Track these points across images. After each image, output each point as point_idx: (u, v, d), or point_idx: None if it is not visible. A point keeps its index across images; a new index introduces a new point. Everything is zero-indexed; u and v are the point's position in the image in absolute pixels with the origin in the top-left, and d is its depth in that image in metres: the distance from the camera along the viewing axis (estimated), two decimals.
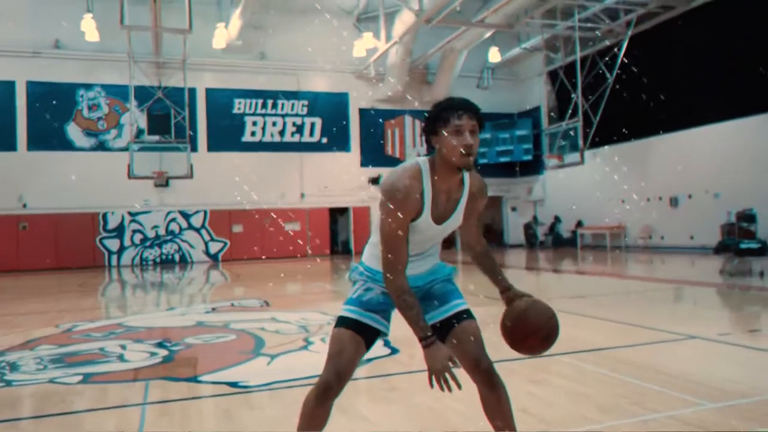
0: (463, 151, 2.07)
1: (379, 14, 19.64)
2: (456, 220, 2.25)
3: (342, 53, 21.43)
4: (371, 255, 2.35)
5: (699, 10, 16.32)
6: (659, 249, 18.09)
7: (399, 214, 2.08)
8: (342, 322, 2.29)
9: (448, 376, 2.03)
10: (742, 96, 15.29)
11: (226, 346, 5.48)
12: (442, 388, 2.03)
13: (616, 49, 18.45)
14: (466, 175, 2.24)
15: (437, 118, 2.12)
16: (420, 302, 2.30)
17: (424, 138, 2.20)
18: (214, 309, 8.46)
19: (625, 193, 19.45)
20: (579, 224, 21.36)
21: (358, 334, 2.26)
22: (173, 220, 20.56)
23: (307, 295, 10.82)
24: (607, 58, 18.62)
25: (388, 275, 2.12)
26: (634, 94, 18.08)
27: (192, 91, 20.19)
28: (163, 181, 19.50)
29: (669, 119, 17.44)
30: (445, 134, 2.08)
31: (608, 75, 18.30)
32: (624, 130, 18.52)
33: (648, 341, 5.11)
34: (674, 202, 17.84)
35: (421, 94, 23.39)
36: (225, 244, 21.01)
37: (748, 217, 9.40)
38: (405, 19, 18.07)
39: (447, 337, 2.26)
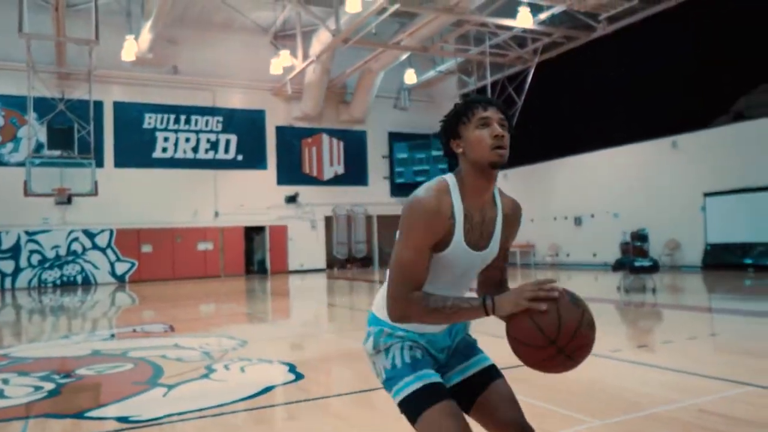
0: (494, 143, 1.69)
1: (296, 32, 19.63)
2: (494, 248, 1.82)
3: (259, 70, 21.20)
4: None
5: (599, 41, 17.41)
6: (565, 266, 18.94)
7: (425, 233, 1.67)
8: (423, 398, 1.71)
9: (539, 289, 1.56)
10: (640, 122, 16.40)
11: (121, 377, 5.18)
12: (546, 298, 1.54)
13: (524, 75, 19.33)
14: (497, 194, 1.86)
15: (458, 117, 1.76)
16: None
17: (443, 151, 1.82)
18: (113, 335, 8.03)
19: (534, 212, 20.30)
20: None
21: (451, 399, 1.73)
22: (75, 239, 19.43)
23: (215, 318, 10.49)
24: (516, 83, 19.47)
25: (399, 304, 1.66)
26: (540, 118, 19.01)
27: (98, 105, 19.28)
28: (64, 199, 18.42)
29: (573, 142, 18.43)
30: (470, 131, 1.73)
31: (517, 99, 19.12)
32: (531, 153, 19.38)
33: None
34: (578, 221, 18.80)
35: (339, 113, 23.52)
36: (133, 264, 20.06)
37: (641, 236, 10.06)
38: (322, 39, 18.15)
39: (475, 399, 1.83)
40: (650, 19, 15.91)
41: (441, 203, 1.69)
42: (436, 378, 1.76)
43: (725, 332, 6.85)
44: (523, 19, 16.05)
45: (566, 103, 18.69)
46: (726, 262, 14.27)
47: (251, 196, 21.82)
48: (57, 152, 18.08)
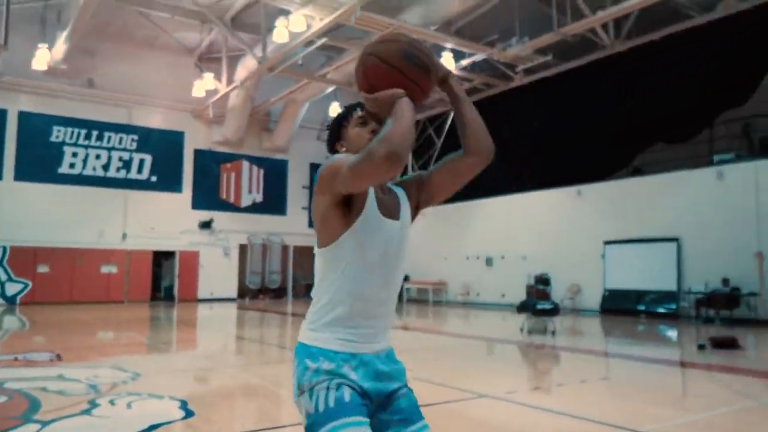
0: (371, 136, 1.79)
1: (222, 56, 19.40)
2: (406, 218, 1.86)
3: (180, 91, 20.69)
4: (324, 324, 1.75)
5: (517, 90, 18.32)
6: (475, 305, 19.39)
7: None
8: None
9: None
10: (549, 170, 17.25)
11: None
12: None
13: (444, 117, 19.97)
14: (390, 185, 1.94)
15: (339, 122, 1.91)
16: (378, 414, 1.75)
17: (330, 153, 1.91)
18: None
19: (448, 251, 20.77)
20: (405, 278, 22.27)
21: None
22: None
23: (110, 347, 9.92)
24: (436, 125, 20.06)
25: (376, 150, 1.51)
26: None
27: (1, 113, 18.16)
28: None
29: (488, 185, 19.03)
30: (350, 130, 1.86)
31: (436, 140, 19.68)
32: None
33: (442, 400, 5.35)
34: (489, 262, 19.37)
35: (261, 140, 23.29)
36: (26, 285, 18.69)
37: (543, 280, 10.55)
38: (248, 65, 18.02)
39: None
40: (563, 74, 16.93)
41: None
42: (362, 428, 1.62)
43: (614, 376, 7.20)
44: (445, 64, 16.62)
45: None
46: (622, 308, 15.10)
47: (163, 219, 21.02)
48: None
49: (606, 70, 15.65)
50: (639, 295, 14.87)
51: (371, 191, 1.76)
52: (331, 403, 1.64)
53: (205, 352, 9.89)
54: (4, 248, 18.41)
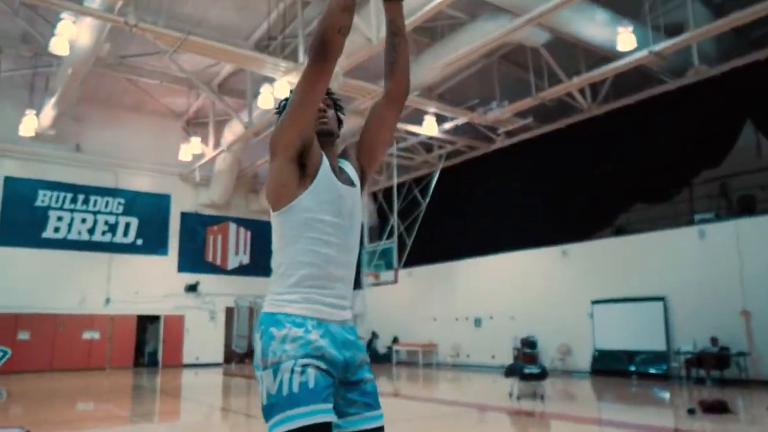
0: (318, 116, 2.00)
1: (209, 121, 19.70)
2: (357, 185, 2.02)
3: (167, 154, 20.87)
4: (289, 286, 1.84)
5: (499, 152, 18.64)
6: (466, 367, 19.08)
7: None
8: None
9: None
10: (534, 229, 17.32)
11: None
12: None
13: (429, 178, 20.22)
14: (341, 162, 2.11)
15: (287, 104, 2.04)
16: (344, 392, 1.78)
17: None
18: None
19: (437, 312, 20.58)
20: (395, 340, 21.96)
21: None
22: None
23: (85, 420, 9.58)
24: (421, 186, 20.29)
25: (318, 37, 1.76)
26: (444, 220, 19.76)
27: None
28: None
29: (474, 245, 19.15)
30: None
31: (422, 200, 19.85)
32: (435, 253, 19.94)
33: None
34: (478, 322, 19.19)
35: (248, 202, 23.37)
36: (5, 353, 18.20)
37: (530, 343, 10.39)
38: (235, 129, 18.28)
39: None
40: (543, 136, 17.30)
41: None
42: (323, 416, 1.60)
43: None
44: (429, 127, 16.95)
45: (468, 207, 19.58)
46: (613, 368, 14.87)
47: (148, 283, 20.78)
48: None
49: (585, 132, 16.01)
50: (629, 356, 14.69)
51: (324, 159, 1.91)
52: (296, 389, 1.62)
53: (186, 425, 9.57)
54: None
